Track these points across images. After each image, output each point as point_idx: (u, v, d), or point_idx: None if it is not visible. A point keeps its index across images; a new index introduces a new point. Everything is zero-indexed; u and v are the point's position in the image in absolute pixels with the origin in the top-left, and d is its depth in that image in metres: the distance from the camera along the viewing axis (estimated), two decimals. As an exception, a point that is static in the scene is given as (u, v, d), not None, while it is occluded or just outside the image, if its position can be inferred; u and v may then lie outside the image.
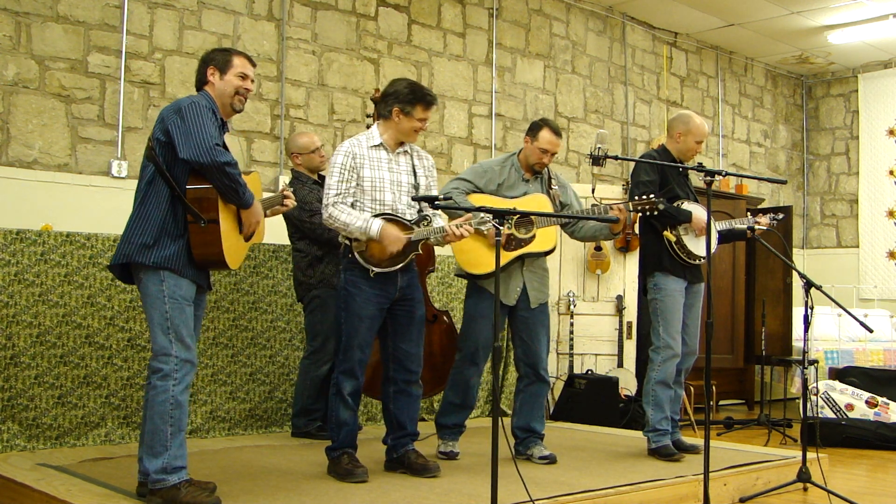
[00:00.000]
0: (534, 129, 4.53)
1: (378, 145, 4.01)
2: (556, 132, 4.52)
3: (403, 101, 3.94)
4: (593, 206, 4.51)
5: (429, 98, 3.98)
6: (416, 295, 4.07)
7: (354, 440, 3.99)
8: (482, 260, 4.39)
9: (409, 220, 3.95)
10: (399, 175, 4.02)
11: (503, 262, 4.36)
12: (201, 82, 3.54)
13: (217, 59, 3.53)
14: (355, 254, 3.89)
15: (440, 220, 4.08)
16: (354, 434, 3.99)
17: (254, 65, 3.60)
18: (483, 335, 4.44)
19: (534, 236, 4.40)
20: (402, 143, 4.06)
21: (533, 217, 4.32)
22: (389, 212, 3.93)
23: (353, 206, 3.92)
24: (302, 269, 5.06)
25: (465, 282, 4.71)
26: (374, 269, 3.88)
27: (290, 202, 3.83)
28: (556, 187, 4.60)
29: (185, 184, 3.35)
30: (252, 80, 3.58)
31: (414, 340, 4.06)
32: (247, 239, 3.60)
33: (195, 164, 3.28)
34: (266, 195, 3.93)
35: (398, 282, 3.97)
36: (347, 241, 3.93)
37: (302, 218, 4.98)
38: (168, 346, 3.30)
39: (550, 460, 4.41)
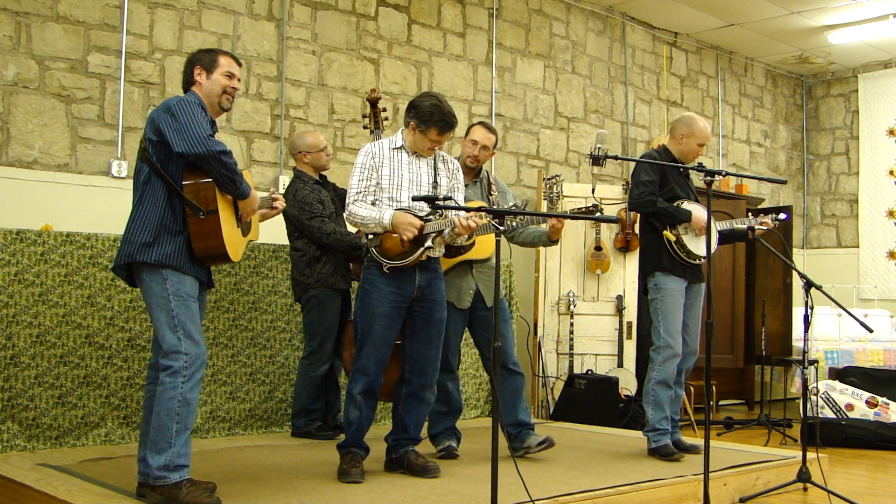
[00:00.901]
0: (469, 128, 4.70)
1: (399, 147, 4.04)
2: (489, 128, 4.65)
3: (420, 118, 3.94)
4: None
5: (444, 124, 3.94)
6: (437, 297, 4.05)
7: (360, 439, 3.98)
8: None
9: (423, 215, 3.94)
10: (419, 175, 4.03)
11: (444, 268, 4.37)
12: (188, 83, 3.56)
13: (203, 59, 3.55)
14: (372, 249, 3.91)
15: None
16: (360, 433, 3.98)
17: (240, 64, 3.63)
18: (450, 344, 4.46)
19: (473, 243, 4.41)
20: None
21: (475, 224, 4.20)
22: (405, 207, 3.95)
23: (373, 204, 3.95)
24: (300, 268, 5.06)
25: None
26: (386, 263, 3.89)
27: (280, 205, 3.81)
28: (496, 193, 4.65)
29: (181, 179, 3.36)
30: (238, 80, 3.60)
31: (431, 343, 4.04)
32: (244, 233, 3.60)
33: (191, 156, 3.30)
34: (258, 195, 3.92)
35: (416, 280, 3.96)
36: (366, 241, 3.95)
37: (301, 219, 4.98)
38: (177, 343, 3.29)
39: (548, 443, 4.46)
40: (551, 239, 4.55)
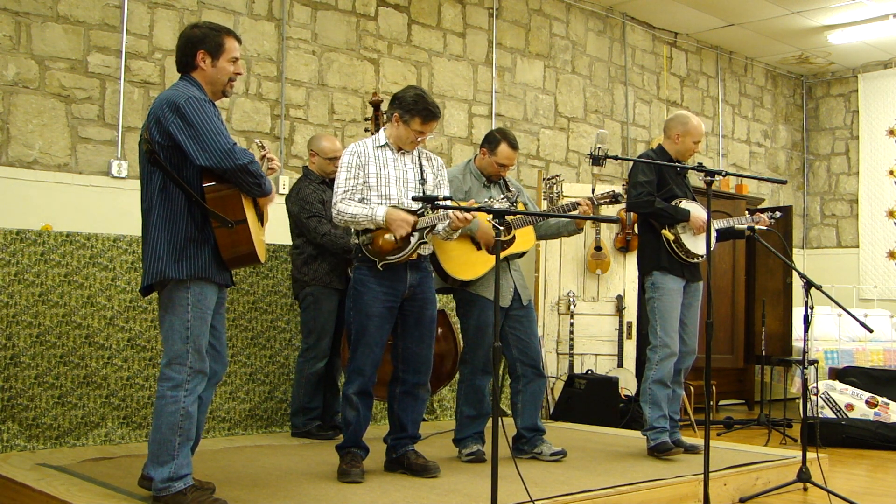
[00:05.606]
0: (491, 143, 4.52)
1: (383, 145, 4.04)
2: (513, 146, 4.51)
3: (404, 109, 3.95)
4: (565, 204, 4.54)
5: (427, 113, 3.94)
6: (428, 295, 4.06)
7: (358, 440, 3.99)
8: (470, 263, 4.39)
9: (415, 210, 3.94)
10: (405, 172, 4.04)
11: (489, 267, 4.38)
12: (188, 66, 3.30)
13: (207, 41, 3.28)
14: (363, 249, 3.90)
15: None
16: (358, 434, 3.99)
17: (240, 41, 3.42)
18: (490, 342, 4.42)
19: (514, 238, 4.42)
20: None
21: (510, 219, 4.33)
22: (395, 203, 3.94)
23: (360, 202, 3.94)
24: (297, 266, 5.10)
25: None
26: (380, 260, 3.88)
27: (276, 163, 3.60)
28: (513, 189, 4.64)
29: (200, 183, 3.20)
30: (239, 61, 3.40)
31: (423, 341, 4.04)
32: (262, 224, 3.50)
33: (217, 170, 3.16)
34: None
35: (408, 279, 3.97)
36: (357, 241, 3.94)
37: (300, 217, 5.01)
38: (184, 354, 3.21)
39: (563, 455, 4.45)
40: (578, 227, 4.55)
